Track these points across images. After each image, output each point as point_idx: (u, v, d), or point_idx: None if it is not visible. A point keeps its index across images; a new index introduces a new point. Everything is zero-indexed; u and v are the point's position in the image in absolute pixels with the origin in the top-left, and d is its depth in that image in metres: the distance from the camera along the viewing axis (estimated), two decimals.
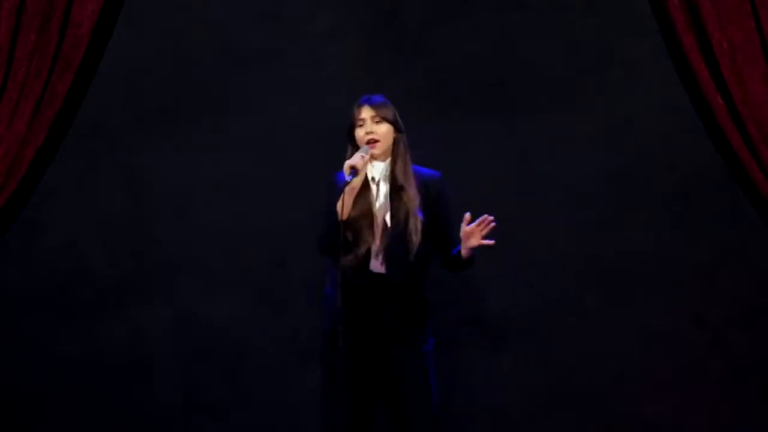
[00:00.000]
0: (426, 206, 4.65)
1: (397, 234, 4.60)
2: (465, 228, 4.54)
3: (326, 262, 4.72)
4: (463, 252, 4.59)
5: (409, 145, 4.73)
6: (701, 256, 5.44)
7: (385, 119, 4.67)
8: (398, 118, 4.71)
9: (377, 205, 4.64)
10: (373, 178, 4.68)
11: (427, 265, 4.70)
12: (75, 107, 5.44)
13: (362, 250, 4.59)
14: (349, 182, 4.51)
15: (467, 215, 4.53)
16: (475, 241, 4.54)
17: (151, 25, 5.51)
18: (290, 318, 5.47)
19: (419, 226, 4.61)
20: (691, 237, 5.44)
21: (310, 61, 5.50)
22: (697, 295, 5.44)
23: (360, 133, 4.67)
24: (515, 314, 5.44)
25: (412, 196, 4.63)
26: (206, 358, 5.46)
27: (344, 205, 4.53)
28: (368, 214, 4.61)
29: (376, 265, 4.62)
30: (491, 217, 4.53)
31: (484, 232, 4.53)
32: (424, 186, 4.67)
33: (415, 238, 4.60)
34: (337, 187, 4.61)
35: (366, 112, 4.67)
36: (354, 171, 4.52)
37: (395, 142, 4.69)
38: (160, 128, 5.50)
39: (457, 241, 4.62)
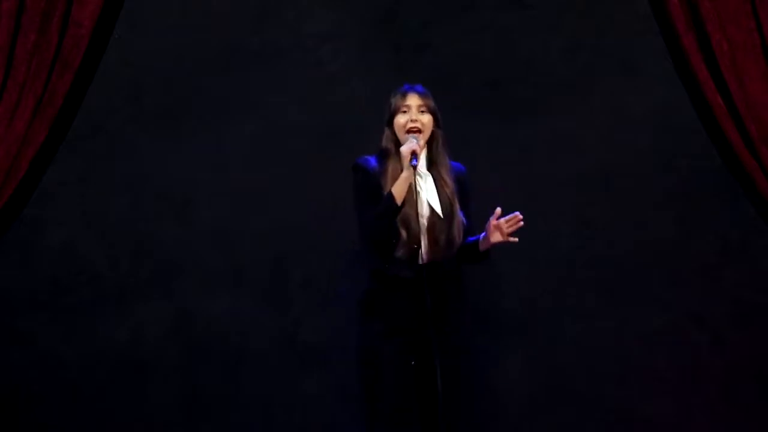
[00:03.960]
0: (458, 197, 4.64)
1: (445, 224, 4.57)
2: (492, 222, 4.50)
3: (355, 262, 4.67)
4: (482, 246, 4.57)
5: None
6: (701, 256, 5.44)
7: (429, 110, 4.64)
8: (438, 112, 4.67)
9: (422, 196, 4.57)
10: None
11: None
12: (75, 107, 5.44)
13: (412, 241, 4.53)
14: (415, 167, 4.45)
15: (498, 210, 4.49)
16: (501, 236, 4.51)
17: (151, 25, 5.51)
18: (290, 318, 5.46)
19: (461, 216, 4.61)
20: (691, 237, 5.45)
21: (310, 61, 5.50)
22: (697, 295, 5.44)
23: (402, 120, 4.62)
24: (515, 314, 5.44)
25: (452, 186, 4.62)
26: (206, 358, 5.46)
27: (401, 190, 4.48)
28: (413, 205, 4.54)
29: (427, 255, 4.55)
30: (521, 216, 4.50)
31: (511, 229, 4.50)
32: (455, 177, 4.67)
33: (461, 228, 4.59)
34: (369, 173, 4.57)
35: (412, 100, 4.63)
36: (415, 156, 4.48)
37: (434, 137, 4.64)
38: (160, 128, 5.50)
39: (471, 233, 4.62)
